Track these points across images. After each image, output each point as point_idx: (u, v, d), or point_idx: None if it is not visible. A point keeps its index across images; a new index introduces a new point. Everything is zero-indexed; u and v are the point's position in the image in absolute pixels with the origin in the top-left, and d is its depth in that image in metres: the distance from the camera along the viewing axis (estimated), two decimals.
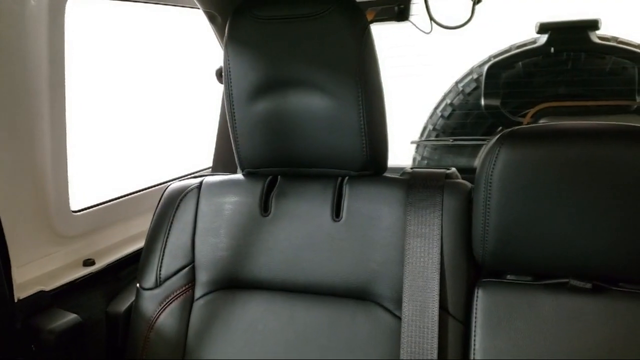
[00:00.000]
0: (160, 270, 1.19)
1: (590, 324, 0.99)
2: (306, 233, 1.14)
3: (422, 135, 2.99)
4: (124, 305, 1.30)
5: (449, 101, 2.90)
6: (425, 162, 2.93)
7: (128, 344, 1.21)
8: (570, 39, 2.65)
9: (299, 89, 1.11)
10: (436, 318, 1.03)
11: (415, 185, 1.13)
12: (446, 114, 2.91)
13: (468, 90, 2.86)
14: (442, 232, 1.08)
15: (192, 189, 1.23)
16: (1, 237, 1.06)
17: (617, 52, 2.61)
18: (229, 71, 1.14)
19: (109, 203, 1.42)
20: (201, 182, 1.24)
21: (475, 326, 1.04)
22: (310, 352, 1.09)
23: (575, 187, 0.97)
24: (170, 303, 1.17)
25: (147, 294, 1.19)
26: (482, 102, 2.78)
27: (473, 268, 1.09)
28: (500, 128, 2.75)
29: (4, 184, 1.12)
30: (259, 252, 1.16)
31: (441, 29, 1.96)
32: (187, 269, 1.19)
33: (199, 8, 1.50)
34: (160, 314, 1.17)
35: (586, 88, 2.66)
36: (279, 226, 1.16)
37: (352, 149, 1.12)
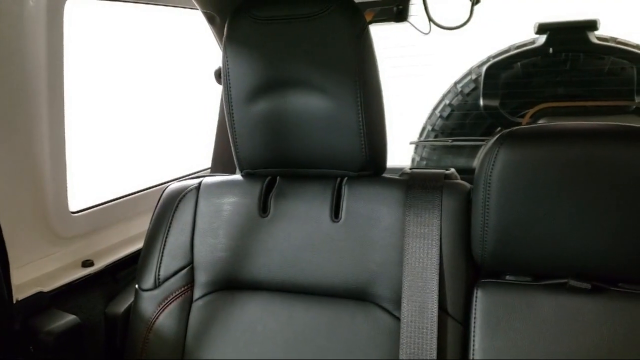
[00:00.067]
0: (159, 271, 1.19)
1: (589, 324, 0.98)
2: (305, 234, 1.14)
3: (421, 135, 2.99)
4: (122, 306, 1.30)
5: (447, 102, 2.91)
6: (424, 162, 2.93)
7: (127, 345, 1.20)
8: (569, 39, 2.66)
9: (298, 90, 1.11)
10: (435, 318, 1.03)
11: (414, 185, 1.13)
12: (445, 114, 2.91)
13: (467, 90, 2.86)
14: (441, 232, 1.08)
15: (191, 190, 1.23)
16: (0, 238, 1.06)
17: (616, 52, 2.61)
18: (228, 72, 1.14)
19: (108, 204, 1.42)
20: (200, 183, 1.24)
21: (474, 326, 1.04)
22: (309, 353, 1.09)
23: (574, 188, 0.97)
24: (169, 304, 1.17)
25: (146, 294, 1.19)
26: (481, 102, 2.78)
27: (472, 268, 1.09)
28: (499, 128, 2.75)
29: (3, 184, 1.12)
30: (258, 252, 1.16)
31: (440, 29, 1.96)
32: (186, 269, 1.19)
33: (197, 9, 1.50)
34: (159, 315, 1.17)
35: (585, 88, 2.66)
36: (278, 227, 1.16)
37: (351, 150, 1.12)
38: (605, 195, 0.96)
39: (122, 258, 1.38)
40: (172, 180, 1.37)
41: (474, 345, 1.03)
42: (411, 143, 2.98)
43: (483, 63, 2.83)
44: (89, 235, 1.36)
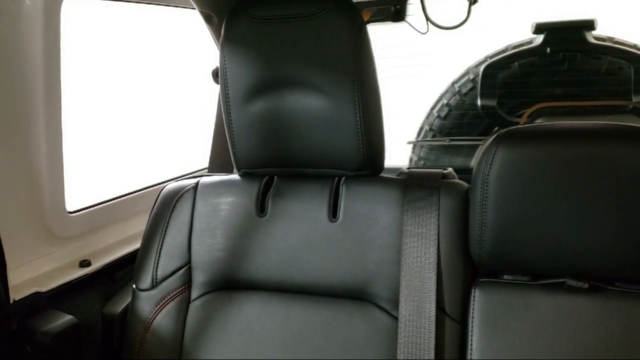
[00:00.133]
0: (156, 271, 1.19)
1: (587, 324, 0.99)
2: (303, 233, 1.14)
3: (418, 135, 2.99)
4: (120, 306, 1.30)
5: (445, 101, 2.91)
6: (422, 162, 2.93)
7: (124, 345, 1.20)
8: (566, 39, 2.66)
9: (296, 89, 1.11)
10: (433, 318, 1.03)
11: (412, 185, 1.13)
12: (443, 114, 2.91)
13: (464, 90, 2.86)
14: (438, 232, 1.08)
15: (188, 190, 1.22)
16: None
17: (613, 52, 2.62)
18: (225, 71, 1.13)
19: (105, 204, 1.42)
20: (197, 183, 1.23)
21: (472, 326, 1.04)
22: (306, 353, 1.09)
23: (572, 187, 0.97)
24: (167, 304, 1.17)
25: (143, 294, 1.19)
26: (479, 102, 2.78)
27: (470, 268, 1.09)
28: (497, 128, 2.75)
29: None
30: (256, 252, 1.16)
31: (438, 29, 1.96)
32: (183, 269, 1.19)
33: (194, 8, 1.50)
34: (156, 315, 1.17)
35: (582, 88, 2.66)
36: (275, 227, 1.16)
37: (349, 149, 1.12)
38: (603, 195, 0.96)
39: (120, 258, 1.37)
40: (170, 180, 1.36)
41: (471, 345, 1.03)
42: (409, 143, 2.98)
43: (480, 63, 2.83)
44: (86, 235, 1.35)
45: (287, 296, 1.14)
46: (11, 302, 1.10)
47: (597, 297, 1.00)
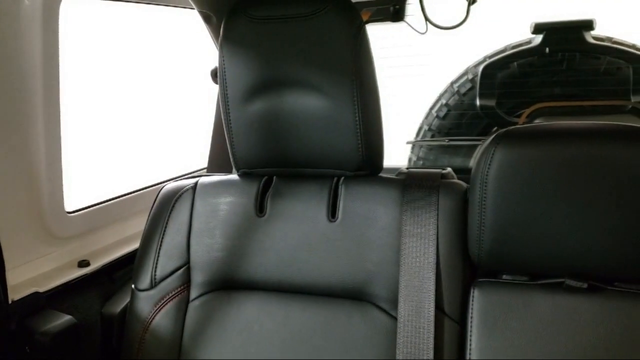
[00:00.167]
0: (155, 271, 1.19)
1: (586, 324, 0.99)
2: (302, 233, 1.14)
3: (417, 135, 2.99)
4: (119, 306, 1.29)
5: (444, 101, 2.91)
6: (421, 162, 2.94)
7: (123, 345, 1.20)
8: (565, 39, 2.66)
9: (295, 89, 1.11)
10: (432, 318, 1.03)
11: (411, 185, 1.13)
12: (441, 114, 2.91)
13: (463, 90, 2.86)
14: (437, 232, 1.08)
15: (187, 190, 1.22)
16: None
17: (612, 52, 2.62)
18: (224, 71, 1.13)
19: (104, 204, 1.42)
20: (196, 183, 1.23)
21: (471, 326, 1.04)
22: (305, 353, 1.09)
23: (571, 187, 0.97)
24: (166, 304, 1.17)
25: (142, 295, 1.19)
26: (478, 102, 2.78)
27: (469, 268, 1.09)
28: (496, 128, 2.75)
29: None
30: (255, 252, 1.16)
31: (437, 29, 1.96)
32: (182, 269, 1.19)
33: (193, 8, 1.50)
34: (155, 315, 1.17)
35: (581, 88, 2.66)
36: (274, 227, 1.16)
37: (348, 149, 1.12)
38: (602, 195, 0.96)
39: (118, 258, 1.37)
40: (169, 180, 1.36)
41: (470, 345, 1.03)
42: (408, 143, 2.98)
43: (479, 63, 2.84)
44: (85, 235, 1.35)
45: (286, 296, 1.14)
46: (10, 302, 1.10)
47: (596, 297, 1.00)
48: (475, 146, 2.75)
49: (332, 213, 1.14)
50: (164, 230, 1.20)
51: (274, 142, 1.15)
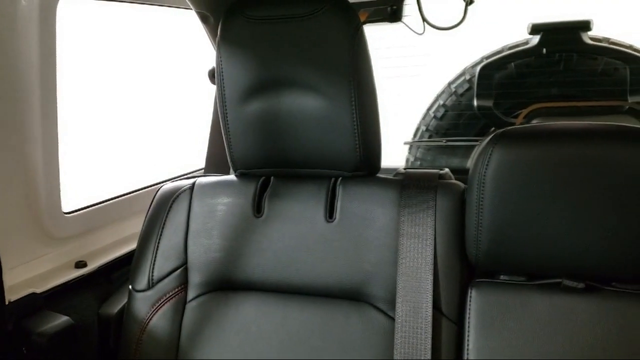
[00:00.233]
0: (152, 272, 1.19)
1: (583, 324, 0.99)
2: (299, 234, 1.14)
3: (415, 136, 2.99)
4: (116, 307, 1.29)
5: (441, 102, 2.91)
6: (419, 162, 2.94)
7: (120, 346, 1.20)
8: (562, 39, 2.66)
9: (292, 89, 1.10)
10: (430, 318, 1.03)
11: (409, 185, 1.13)
12: (439, 114, 2.91)
13: (461, 91, 2.87)
14: (435, 232, 1.08)
15: (184, 190, 1.22)
16: None
17: (609, 52, 2.62)
18: (222, 72, 1.13)
19: (101, 204, 1.41)
20: (194, 183, 1.23)
21: (468, 326, 1.04)
22: (303, 353, 1.09)
23: (568, 187, 0.98)
24: (163, 305, 1.17)
25: (139, 295, 1.19)
26: (475, 102, 2.78)
27: (466, 268, 1.09)
28: (493, 129, 2.75)
29: None
30: (252, 253, 1.15)
31: (434, 30, 1.96)
32: (179, 270, 1.18)
33: (191, 8, 1.49)
34: (152, 316, 1.16)
35: (578, 89, 2.67)
36: (272, 227, 1.16)
37: (346, 150, 1.12)
38: (599, 195, 0.96)
39: (116, 259, 1.37)
40: (166, 181, 1.36)
41: (468, 345, 1.03)
42: (405, 143, 2.98)
43: (477, 63, 2.84)
44: (82, 236, 1.35)
45: (283, 297, 1.14)
46: (7, 303, 1.09)
47: (593, 297, 1.00)
48: (472, 147, 2.75)
49: (330, 213, 1.14)
50: (161, 231, 1.20)
51: (272, 142, 1.15)
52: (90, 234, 1.38)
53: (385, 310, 1.08)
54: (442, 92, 2.93)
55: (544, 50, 2.68)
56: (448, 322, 1.06)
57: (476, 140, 2.73)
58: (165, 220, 1.21)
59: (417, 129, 2.99)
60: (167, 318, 1.16)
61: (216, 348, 1.13)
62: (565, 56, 2.66)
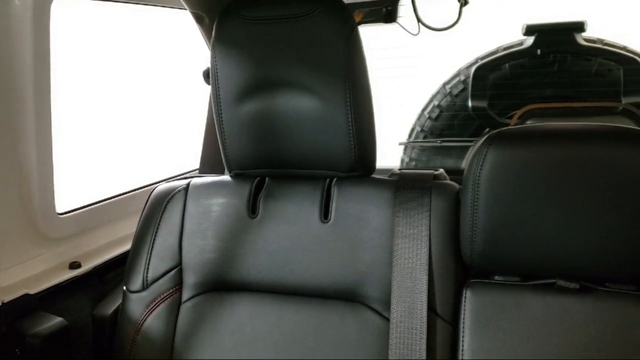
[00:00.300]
0: (147, 273, 1.18)
1: (577, 324, 0.99)
2: (294, 235, 1.14)
3: (410, 136, 2.99)
4: (110, 308, 1.29)
5: (436, 103, 2.91)
6: (414, 163, 2.94)
7: (115, 347, 1.19)
8: (556, 40, 2.67)
9: (287, 90, 1.10)
10: (424, 319, 1.03)
11: (404, 186, 1.13)
12: (434, 115, 2.91)
13: (455, 91, 2.87)
14: (430, 233, 1.08)
15: (179, 191, 1.22)
16: None
17: (603, 53, 2.63)
18: (217, 72, 1.13)
19: (96, 205, 1.41)
20: (188, 184, 1.23)
21: (463, 327, 1.04)
22: (298, 354, 1.09)
23: (563, 188, 0.98)
24: (158, 306, 1.16)
25: (134, 296, 1.18)
26: (470, 103, 2.79)
27: (461, 269, 1.10)
28: (488, 129, 2.76)
29: None
30: (247, 254, 1.15)
31: (429, 30, 1.96)
32: (174, 271, 1.18)
33: (186, 9, 1.49)
34: (147, 317, 1.16)
35: (572, 89, 2.67)
36: (267, 228, 1.16)
37: (341, 150, 1.12)
38: (594, 196, 0.97)
39: (110, 260, 1.37)
40: (161, 181, 1.36)
41: (463, 346, 1.03)
42: (400, 144, 2.98)
43: (471, 64, 2.84)
44: (76, 237, 1.35)
45: (278, 297, 1.14)
46: (0, 304, 1.09)
47: (587, 298, 1.01)
48: (467, 147, 2.75)
49: (325, 214, 1.14)
50: (156, 232, 1.20)
51: (267, 142, 1.15)
52: (84, 234, 1.37)
53: (380, 310, 1.08)
54: (437, 92, 2.93)
55: (539, 51, 2.69)
56: (443, 322, 1.06)
57: (471, 141, 2.73)
58: (159, 221, 1.20)
59: (412, 130, 2.99)
60: (161, 319, 1.16)
61: (211, 349, 1.13)
62: (559, 57, 2.67)
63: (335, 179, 1.17)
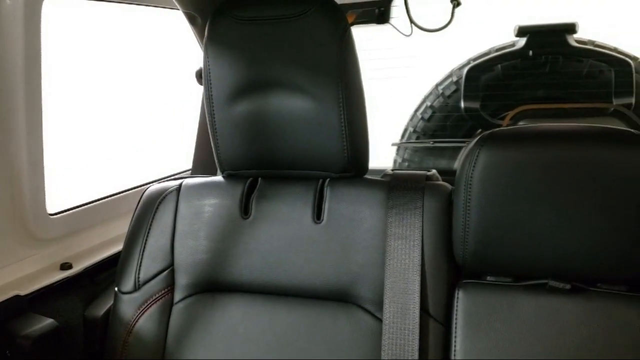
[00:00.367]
0: (138, 274, 1.18)
1: (569, 324, 0.99)
2: (287, 235, 1.14)
3: (402, 137, 3.00)
4: (102, 309, 1.28)
5: (429, 103, 2.92)
6: (406, 164, 2.94)
7: (106, 348, 1.19)
8: (548, 42, 2.68)
9: (280, 91, 1.10)
10: (417, 320, 1.03)
11: (396, 187, 1.13)
12: (426, 116, 2.92)
13: (448, 92, 2.88)
14: (422, 233, 1.08)
15: (171, 191, 1.22)
16: None
17: (594, 55, 2.65)
18: (209, 72, 1.13)
19: (87, 206, 1.40)
20: (180, 184, 1.23)
21: (455, 327, 1.04)
22: (290, 355, 1.08)
23: (554, 189, 0.98)
24: (149, 307, 1.16)
25: (125, 297, 1.18)
26: (462, 104, 2.79)
27: (453, 269, 1.10)
28: (480, 130, 2.76)
29: None
30: (239, 254, 1.15)
31: (422, 31, 1.97)
32: (166, 272, 1.18)
33: (178, 9, 1.49)
34: (139, 318, 1.16)
35: (564, 91, 2.68)
36: (259, 228, 1.15)
37: (333, 151, 1.12)
38: (585, 197, 0.97)
39: (102, 260, 1.36)
40: (153, 182, 1.35)
41: (455, 346, 1.04)
42: (393, 144, 2.99)
43: (464, 65, 2.85)
44: (67, 238, 1.34)
45: (271, 298, 1.13)
46: None
47: (579, 298, 1.01)
48: (459, 148, 2.76)
49: (318, 215, 1.14)
50: (148, 233, 1.19)
51: (259, 143, 1.15)
52: (75, 235, 1.36)
53: (373, 311, 1.08)
54: (430, 93, 2.94)
55: (531, 52, 2.70)
56: (435, 323, 1.06)
57: (463, 142, 2.73)
58: (151, 222, 1.20)
59: (405, 130, 2.99)
60: (153, 320, 1.15)
61: (203, 350, 1.12)
62: (551, 58, 2.68)
63: (328, 179, 1.17)
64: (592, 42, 2.70)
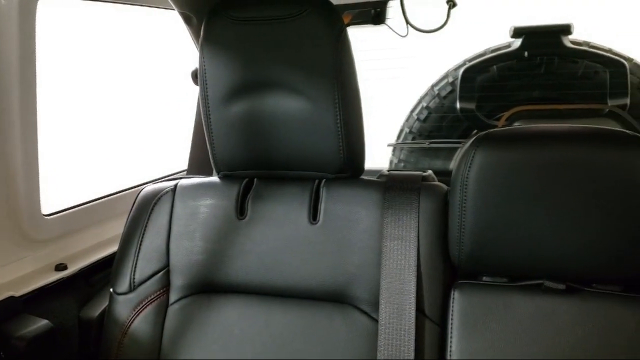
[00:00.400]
0: (134, 275, 1.17)
1: (564, 325, 1.00)
2: (283, 236, 1.13)
3: (398, 138, 3.00)
4: (97, 310, 1.28)
5: (425, 104, 2.92)
6: (402, 164, 2.95)
7: (101, 349, 1.18)
8: (543, 43, 2.69)
9: (276, 91, 1.10)
10: (413, 320, 1.04)
11: (392, 187, 1.13)
12: (422, 117, 2.92)
13: (444, 93, 2.88)
14: (418, 234, 1.08)
15: (166, 192, 1.21)
16: None
17: (589, 56, 2.66)
18: (205, 73, 1.13)
19: (82, 206, 1.40)
20: (176, 185, 1.22)
21: (451, 328, 1.05)
22: (287, 356, 1.08)
23: (550, 189, 0.98)
24: (145, 308, 1.16)
25: (120, 298, 1.17)
26: (458, 105, 2.80)
27: (449, 270, 1.10)
28: (476, 131, 2.77)
29: None
30: (235, 255, 1.15)
31: (418, 32, 1.97)
32: (161, 273, 1.17)
33: (173, 9, 1.49)
34: (134, 319, 1.15)
35: (559, 92, 2.69)
36: (255, 229, 1.15)
37: (329, 151, 1.12)
38: (580, 197, 0.97)
39: (97, 261, 1.36)
40: (148, 182, 1.35)
41: (451, 347, 1.04)
42: (389, 145, 2.99)
43: (459, 66, 2.86)
44: (62, 238, 1.33)
45: (267, 299, 1.13)
46: None
47: (574, 299, 1.01)
48: (455, 149, 2.76)
49: (314, 215, 1.14)
50: (143, 233, 1.19)
51: (255, 143, 1.15)
52: (70, 236, 1.36)
53: (369, 312, 1.08)
54: (425, 94, 2.94)
55: (526, 53, 2.71)
56: (431, 323, 1.06)
57: (459, 143, 2.74)
58: (147, 223, 1.20)
59: (401, 131, 3.00)
60: (148, 321, 1.15)
61: (198, 351, 1.12)
62: (546, 59, 2.69)
63: (324, 180, 1.17)
64: (587, 43, 2.71)
